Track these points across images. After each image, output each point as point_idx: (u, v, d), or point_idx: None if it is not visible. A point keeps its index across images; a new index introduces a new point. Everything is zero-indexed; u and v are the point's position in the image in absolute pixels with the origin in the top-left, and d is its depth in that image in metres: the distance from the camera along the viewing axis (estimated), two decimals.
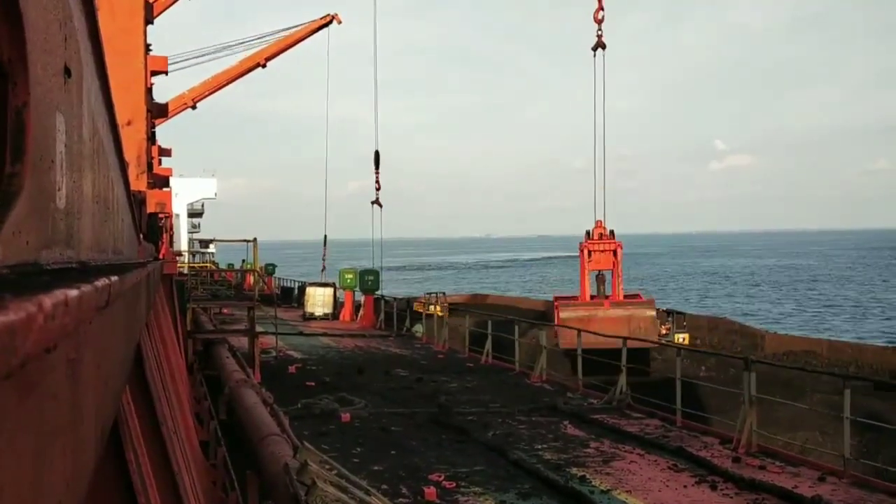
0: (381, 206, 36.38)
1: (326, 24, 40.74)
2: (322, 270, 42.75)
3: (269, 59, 39.63)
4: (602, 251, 27.03)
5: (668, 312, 44.41)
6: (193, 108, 38.15)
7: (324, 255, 42.34)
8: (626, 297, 45.12)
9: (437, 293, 58.01)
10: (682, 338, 40.20)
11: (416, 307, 53.16)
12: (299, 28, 40.60)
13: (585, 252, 26.72)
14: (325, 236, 41.58)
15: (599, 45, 22.90)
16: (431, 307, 53.83)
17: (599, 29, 22.85)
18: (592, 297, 27.90)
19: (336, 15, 40.83)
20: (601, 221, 27.47)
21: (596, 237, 27.16)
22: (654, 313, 24.00)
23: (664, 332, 41.25)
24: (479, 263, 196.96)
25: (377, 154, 36.64)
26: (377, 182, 36.35)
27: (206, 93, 38.62)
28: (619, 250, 28.07)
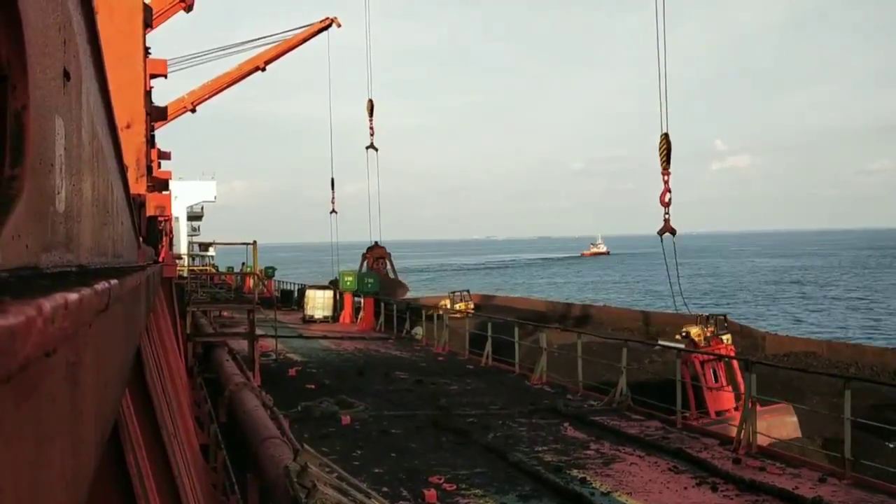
0: (376, 150, 38.75)
1: (326, 28, 40.99)
2: (332, 212, 43.37)
3: (268, 62, 39.78)
4: (714, 361, 22.99)
5: (709, 316, 44.39)
6: (193, 111, 38.21)
7: (332, 198, 43.44)
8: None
9: (462, 291, 58.59)
10: (726, 338, 40.34)
11: (441, 305, 53.62)
12: (299, 31, 40.79)
13: (698, 365, 22.73)
14: (332, 179, 43.20)
15: (667, 230, 20.84)
16: (458, 305, 54.69)
17: (667, 213, 20.38)
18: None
19: (336, 18, 41.11)
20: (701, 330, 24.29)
21: (703, 346, 22.98)
22: (795, 418, 21.12)
23: (708, 334, 41.12)
24: (482, 265, 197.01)
25: (370, 102, 39.11)
26: (371, 128, 38.91)
27: (206, 96, 38.66)
28: (731, 351, 24.63)
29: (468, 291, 60.65)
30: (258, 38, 39.96)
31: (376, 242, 41.11)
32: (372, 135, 38.95)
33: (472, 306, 55.64)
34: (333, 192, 44.00)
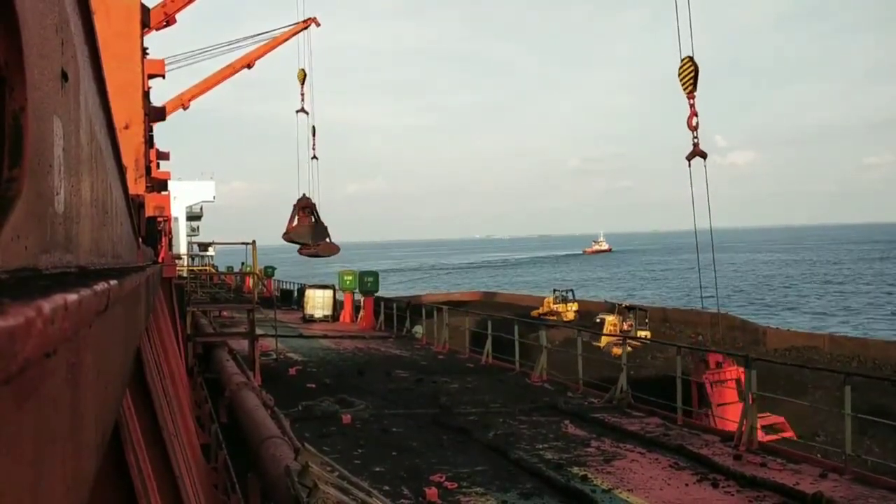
0: (307, 113, 44.09)
1: (306, 27, 42.74)
2: (312, 158, 45.49)
3: (255, 60, 41.53)
4: (728, 381, 21.93)
5: (630, 308, 44.05)
6: (185, 108, 39.40)
7: (314, 144, 45.54)
8: (627, 307, 44.18)
9: (564, 291, 55.27)
10: (644, 334, 39.95)
11: (544, 308, 52.52)
12: (282, 31, 42.38)
13: (709, 387, 21.57)
14: (314, 126, 45.72)
15: (697, 154, 20.02)
16: (560, 306, 51.99)
17: (695, 136, 19.73)
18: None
19: (314, 18, 43.16)
20: (717, 353, 23.28)
21: (714, 367, 22.12)
22: (791, 434, 20.45)
23: (626, 328, 40.93)
24: (482, 263, 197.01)
25: (302, 72, 43.64)
26: (301, 95, 43.99)
27: (197, 94, 40.13)
28: (742, 377, 24.07)
29: (572, 291, 56.76)
30: (247, 38, 41.80)
31: (304, 194, 45.15)
32: (303, 101, 44.06)
33: (574, 309, 52.66)
34: (315, 139, 46.50)
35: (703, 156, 20.34)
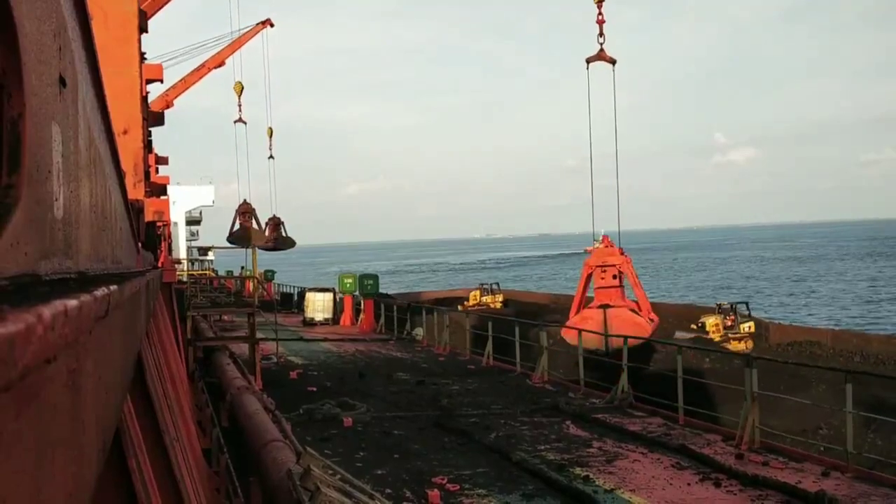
0: (245, 123, 47.42)
1: (263, 28, 45.08)
2: (269, 157, 48.71)
3: (225, 59, 43.89)
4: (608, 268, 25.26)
5: (732, 305, 44.35)
6: (169, 107, 40.98)
7: (270, 145, 49.34)
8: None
9: (490, 284, 58.77)
10: (747, 327, 40.32)
11: (472, 300, 55.41)
12: (243, 32, 45.43)
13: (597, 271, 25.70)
14: (270, 128, 49.51)
15: (601, 58, 21.57)
16: (487, 297, 54.89)
17: (601, 41, 21.50)
18: None
19: (269, 19, 45.70)
20: (606, 236, 26.75)
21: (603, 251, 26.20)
22: (641, 319, 23.60)
23: (729, 323, 41.05)
24: (481, 263, 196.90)
25: (240, 84, 46.57)
26: (239, 106, 47.39)
27: (180, 92, 42.28)
28: (625, 268, 26.48)
29: (497, 284, 60.06)
30: (220, 37, 44.16)
31: (245, 200, 48.72)
32: (240, 111, 47.25)
33: (500, 300, 55.66)
34: (271, 141, 49.87)
35: (612, 62, 22.31)
